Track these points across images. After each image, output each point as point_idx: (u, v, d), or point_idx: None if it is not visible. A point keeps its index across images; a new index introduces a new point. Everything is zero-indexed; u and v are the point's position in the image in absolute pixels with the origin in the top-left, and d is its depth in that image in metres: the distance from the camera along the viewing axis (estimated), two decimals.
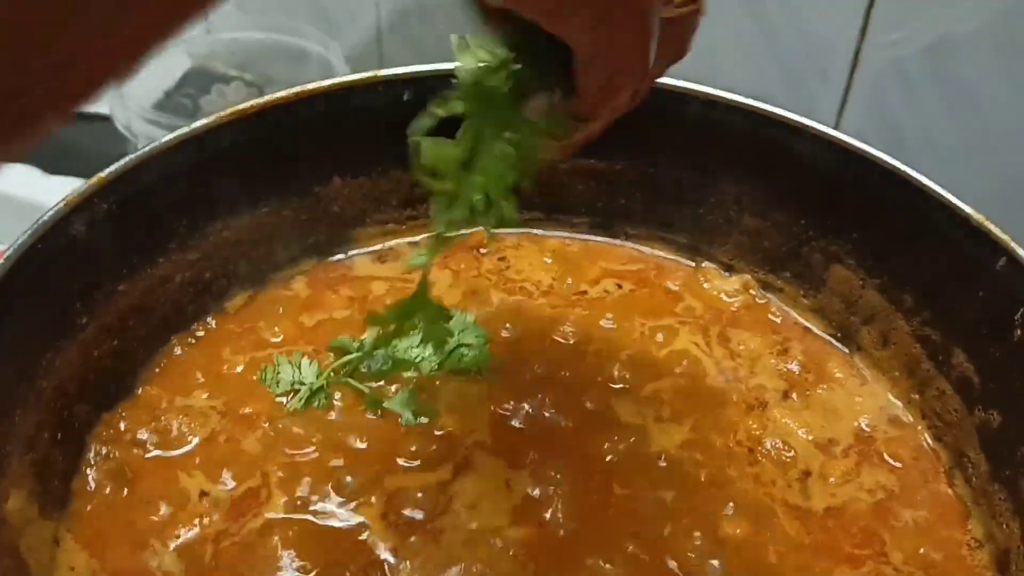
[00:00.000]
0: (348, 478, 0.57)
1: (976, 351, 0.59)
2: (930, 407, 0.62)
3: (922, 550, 0.56)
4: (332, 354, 0.64)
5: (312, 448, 0.59)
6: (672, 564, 0.54)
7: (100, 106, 1.09)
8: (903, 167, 0.61)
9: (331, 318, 0.68)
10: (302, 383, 0.62)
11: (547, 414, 0.61)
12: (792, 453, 0.60)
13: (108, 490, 0.57)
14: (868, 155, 0.63)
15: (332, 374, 0.62)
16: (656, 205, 0.74)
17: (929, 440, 0.62)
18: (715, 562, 0.54)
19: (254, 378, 0.63)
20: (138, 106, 0.96)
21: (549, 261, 0.74)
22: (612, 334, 0.68)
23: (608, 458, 0.59)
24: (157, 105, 1.02)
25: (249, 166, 0.67)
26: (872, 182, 0.63)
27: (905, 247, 0.63)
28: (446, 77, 0.45)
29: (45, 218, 0.56)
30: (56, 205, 0.57)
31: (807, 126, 0.65)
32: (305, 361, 0.63)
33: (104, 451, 0.59)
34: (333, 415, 0.61)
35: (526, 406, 0.61)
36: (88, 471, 0.58)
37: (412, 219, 0.75)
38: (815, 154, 0.65)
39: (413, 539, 0.55)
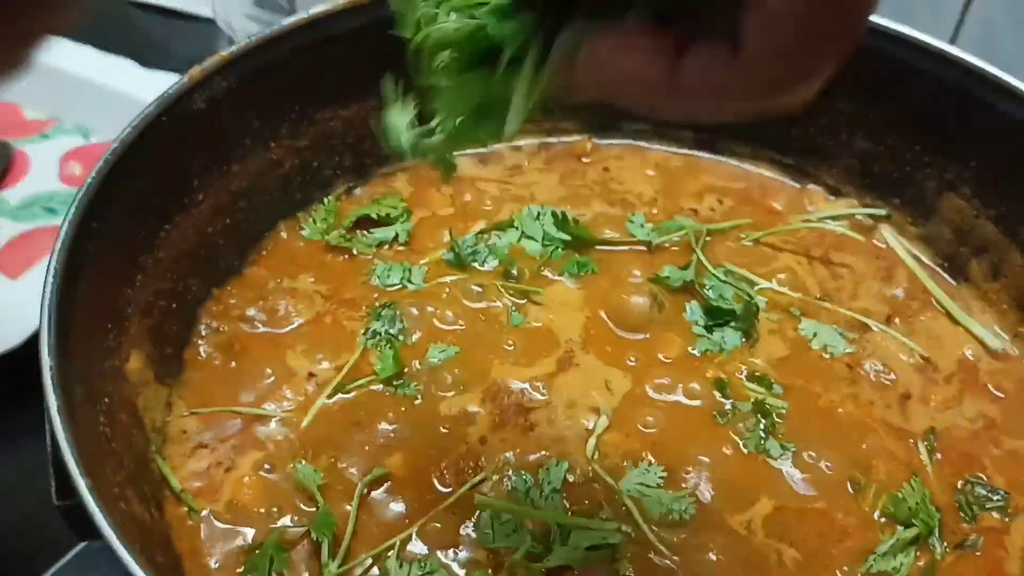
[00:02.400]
0: (452, 367, 0.58)
1: None
2: None
3: None
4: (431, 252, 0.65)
5: (418, 334, 0.60)
6: (774, 464, 0.55)
7: (197, 5, 1.10)
8: None
9: (434, 215, 0.68)
10: (410, 281, 0.63)
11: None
12: (892, 376, 0.60)
13: (218, 361, 0.59)
14: (1001, 81, 0.60)
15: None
16: (764, 123, 0.72)
17: None
18: (825, 466, 0.54)
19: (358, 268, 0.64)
20: (238, 0, 0.96)
21: (652, 174, 0.73)
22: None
23: (707, 371, 0.60)
24: (255, 1, 1.02)
25: (360, 56, 0.66)
26: (1001, 109, 0.61)
27: None
28: None
29: (170, 91, 0.57)
30: (180, 79, 0.57)
31: (935, 47, 0.62)
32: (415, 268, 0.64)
33: (214, 324, 0.61)
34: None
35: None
36: (199, 342, 0.60)
37: None
38: (941, 77, 0.62)
39: (506, 430, 0.56)
